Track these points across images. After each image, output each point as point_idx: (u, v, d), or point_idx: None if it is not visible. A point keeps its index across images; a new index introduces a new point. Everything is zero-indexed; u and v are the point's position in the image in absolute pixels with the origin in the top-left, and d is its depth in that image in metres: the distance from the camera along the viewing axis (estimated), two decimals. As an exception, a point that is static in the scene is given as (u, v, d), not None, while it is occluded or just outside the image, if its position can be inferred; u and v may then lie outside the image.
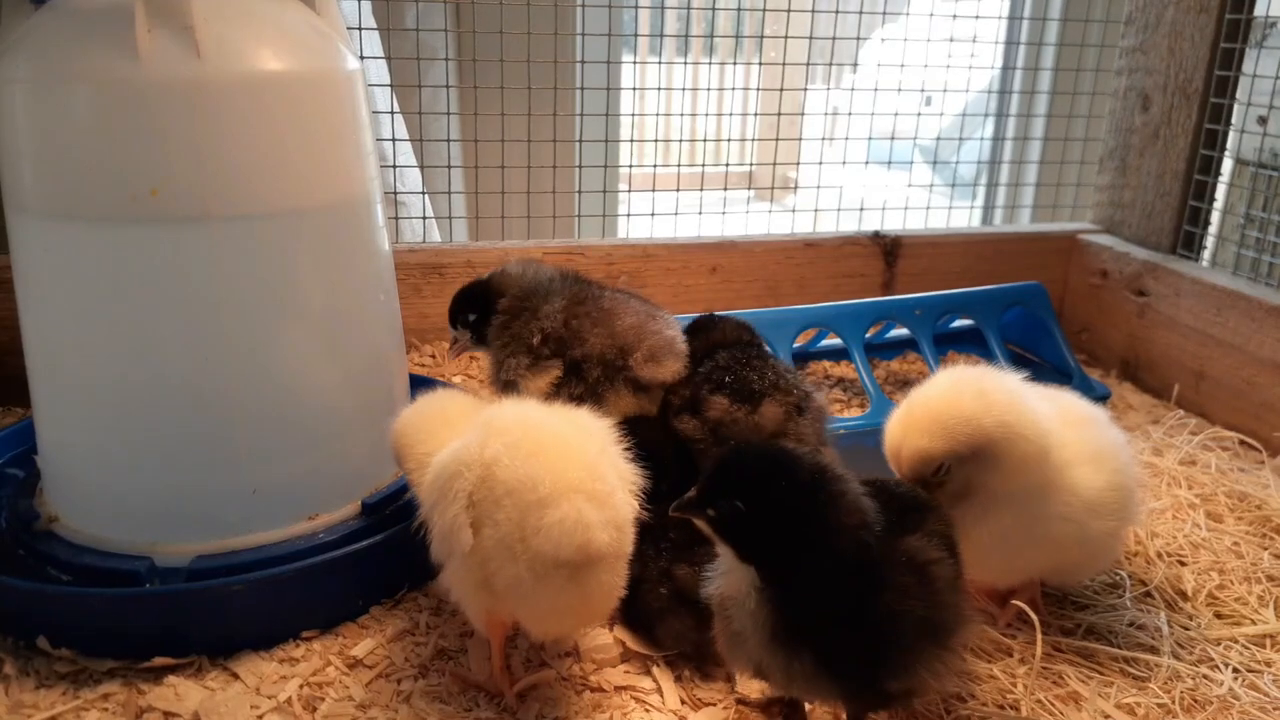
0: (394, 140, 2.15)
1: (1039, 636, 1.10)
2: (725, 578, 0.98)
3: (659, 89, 2.61)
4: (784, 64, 2.37)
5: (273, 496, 1.22)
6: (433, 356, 1.96)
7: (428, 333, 1.99)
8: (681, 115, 2.28)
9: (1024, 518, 1.13)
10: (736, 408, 1.28)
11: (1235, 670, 1.16)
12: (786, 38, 2.34)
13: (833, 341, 1.91)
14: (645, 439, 1.11)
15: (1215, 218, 2.10)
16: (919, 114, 2.46)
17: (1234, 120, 2.01)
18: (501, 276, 1.45)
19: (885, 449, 1.15)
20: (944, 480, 1.11)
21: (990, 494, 1.12)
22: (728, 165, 2.45)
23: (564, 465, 0.97)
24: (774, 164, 2.43)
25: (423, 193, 2.23)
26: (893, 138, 2.42)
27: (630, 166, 2.77)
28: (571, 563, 0.94)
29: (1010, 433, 1.08)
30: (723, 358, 1.36)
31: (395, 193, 2.16)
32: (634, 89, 2.76)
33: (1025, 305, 1.88)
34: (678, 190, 2.22)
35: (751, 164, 2.65)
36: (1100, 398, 1.66)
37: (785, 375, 1.32)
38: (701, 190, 2.23)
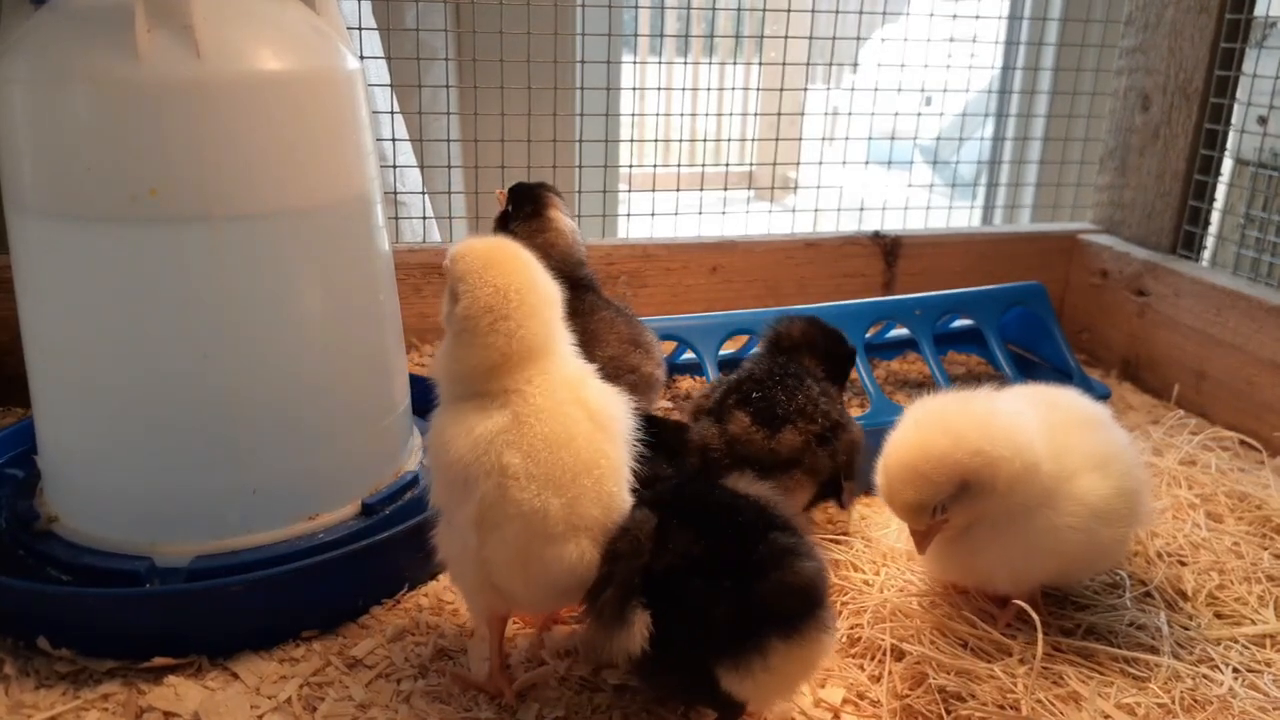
0: (394, 140, 2.15)
1: (1039, 636, 1.10)
2: None
3: (659, 89, 2.61)
4: (784, 64, 2.37)
5: (273, 496, 1.22)
6: (432, 356, 1.96)
7: (428, 333, 1.99)
8: (681, 115, 2.28)
9: (1031, 532, 1.13)
10: (756, 429, 1.29)
11: (1235, 670, 1.16)
12: (786, 38, 2.34)
13: (833, 341, 1.90)
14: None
15: (1215, 218, 2.10)
16: (919, 114, 2.46)
17: (1234, 120, 2.01)
18: (548, 228, 1.50)
19: (880, 494, 1.16)
20: (947, 518, 1.12)
21: (993, 516, 1.13)
22: (728, 165, 2.45)
23: (578, 496, 0.97)
24: (774, 164, 2.43)
25: (423, 193, 2.23)
26: (893, 138, 2.42)
27: (630, 166, 2.77)
28: (566, 588, 1.00)
29: (988, 459, 1.09)
30: (761, 369, 1.37)
31: (395, 193, 2.16)
32: (634, 89, 2.76)
33: (1025, 305, 1.88)
34: (678, 190, 2.22)
35: (751, 164, 2.65)
36: (1100, 398, 1.65)
37: (817, 400, 1.33)
38: (701, 190, 2.23)
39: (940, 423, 1.12)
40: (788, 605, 0.91)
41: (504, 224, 1.55)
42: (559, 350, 1.04)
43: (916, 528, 1.14)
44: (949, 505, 1.11)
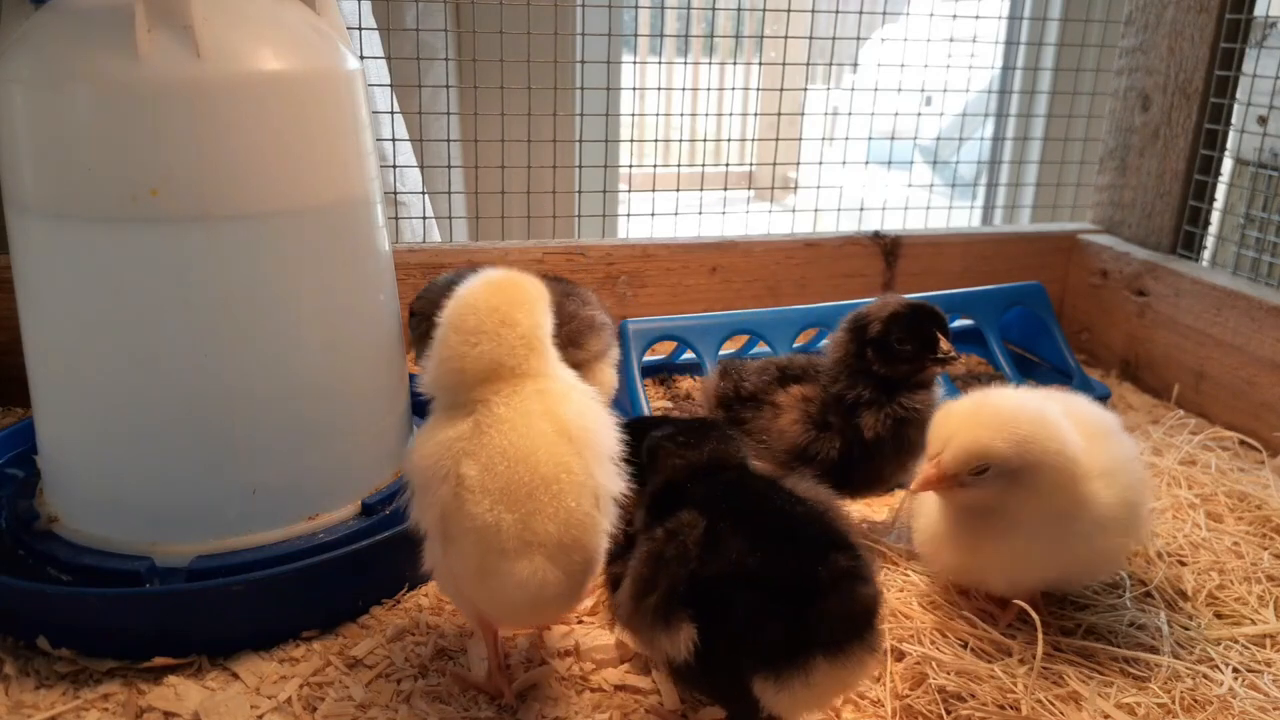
0: (394, 140, 2.15)
1: (1039, 636, 1.10)
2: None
3: (659, 89, 2.61)
4: (784, 64, 2.37)
5: (273, 496, 1.22)
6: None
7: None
8: (681, 115, 2.28)
9: (1044, 538, 1.13)
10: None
11: (1235, 670, 1.16)
12: (786, 38, 2.34)
13: (833, 341, 1.90)
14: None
15: (1215, 218, 2.10)
16: (919, 114, 2.46)
17: (1234, 120, 2.01)
18: (420, 295, 1.57)
19: (931, 431, 1.14)
20: (970, 484, 1.10)
21: (1014, 515, 1.12)
22: (728, 165, 2.45)
23: (534, 512, 0.95)
24: (774, 164, 2.43)
25: (423, 193, 2.23)
26: (893, 138, 2.42)
27: (630, 166, 2.77)
28: (527, 605, 0.98)
29: (1058, 460, 1.10)
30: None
31: (395, 193, 2.16)
32: (634, 89, 2.76)
33: (1025, 305, 1.88)
34: (678, 190, 2.22)
35: (751, 164, 2.65)
36: (1100, 398, 1.66)
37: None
38: (701, 190, 2.23)
39: (1037, 408, 1.12)
40: (842, 632, 0.89)
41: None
42: (539, 372, 1.02)
43: (939, 473, 1.11)
44: (981, 480, 1.10)
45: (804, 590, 0.89)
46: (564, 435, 0.98)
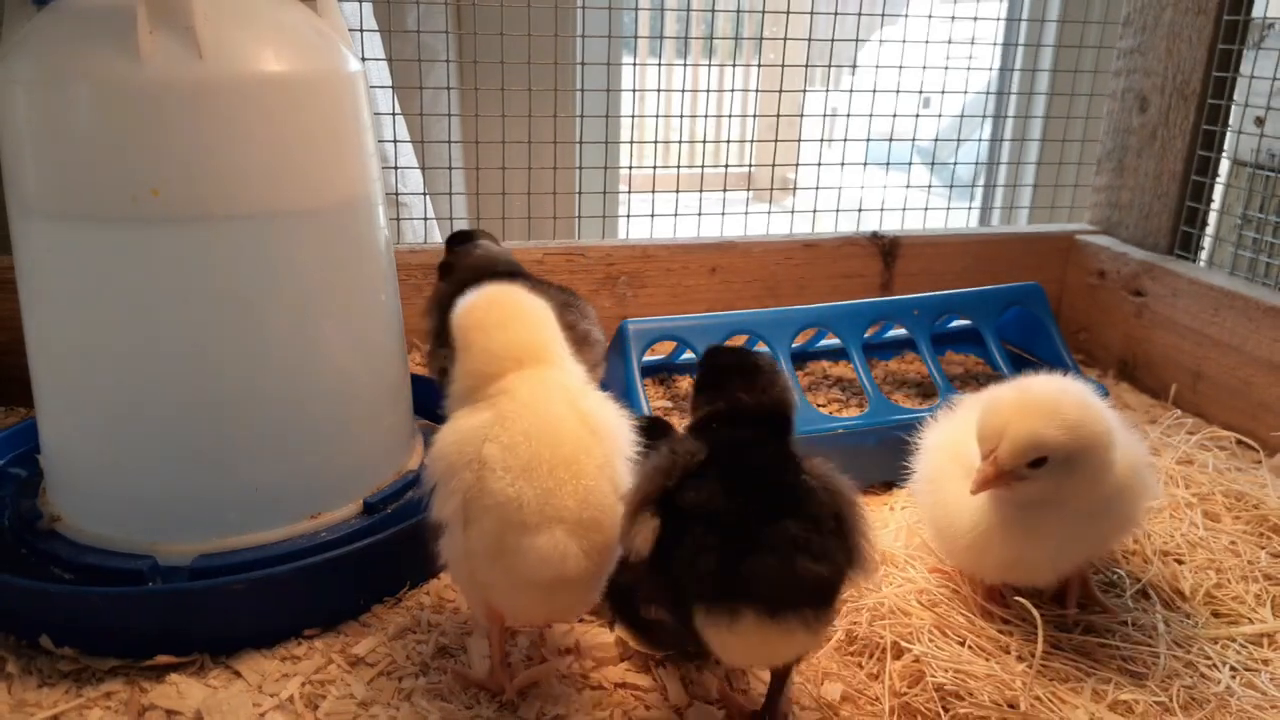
0: (395, 142, 2.16)
1: (1040, 634, 1.10)
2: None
3: (659, 91, 2.61)
4: (783, 66, 2.38)
5: (275, 495, 1.23)
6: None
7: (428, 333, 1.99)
8: (681, 117, 2.29)
9: (1093, 519, 1.14)
10: None
11: (1232, 669, 1.17)
12: (785, 39, 2.35)
13: (832, 341, 1.92)
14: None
15: (1212, 218, 2.11)
16: (917, 115, 2.46)
17: (1231, 121, 2.01)
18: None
19: (980, 426, 1.11)
20: (1029, 477, 1.09)
21: (1066, 501, 1.12)
22: (727, 166, 2.46)
23: (554, 488, 0.96)
24: (773, 165, 2.44)
25: (424, 194, 2.24)
26: (891, 139, 2.42)
27: (630, 168, 2.77)
28: (547, 585, 0.98)
29: (1105, 440, 1.10)
30: None
31: (397, 194, 2.16)
32: (634, 91, 2.76)
33: (1023, 305, 1.88)
34: (677, 191, 2.23)
35: (750, 165, 2.65)
36: (1098, 398, 1.66)
37: None
38: (701, 191, 2.24)
39: (1078, 393, 1.12)
40: (774, 592, 0.90)
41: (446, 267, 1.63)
42: (557, 363, 1.07)
43: (997, 470, 1.09)
44: (1039, 472, 1.08)
45: (745, 542, 0.91)
46: (586, 425, 1.01)
